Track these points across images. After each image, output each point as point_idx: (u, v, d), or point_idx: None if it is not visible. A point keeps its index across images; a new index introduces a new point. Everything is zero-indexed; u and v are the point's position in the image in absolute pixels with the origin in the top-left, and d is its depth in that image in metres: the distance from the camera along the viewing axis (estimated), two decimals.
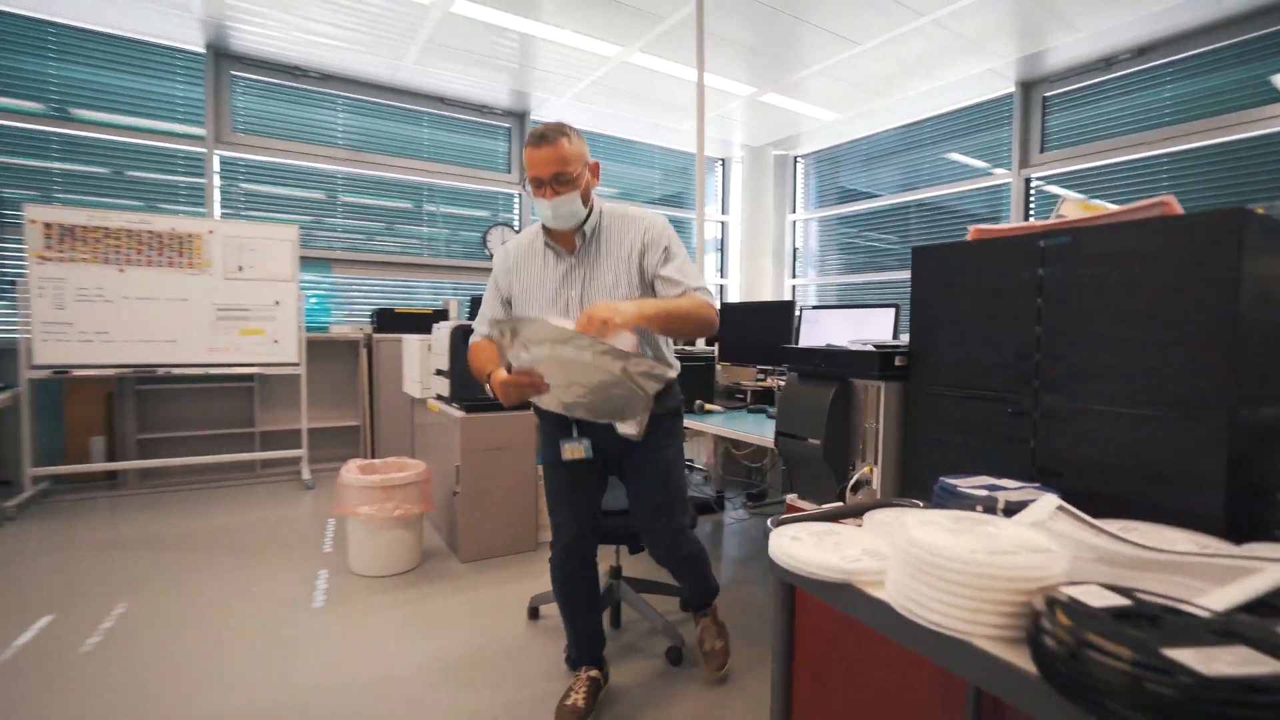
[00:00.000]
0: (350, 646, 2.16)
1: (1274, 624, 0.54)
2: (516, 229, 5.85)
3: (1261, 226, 0.87)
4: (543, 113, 5.74)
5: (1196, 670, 0.44)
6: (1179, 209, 0.95)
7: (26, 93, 4.12)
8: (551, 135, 1.50)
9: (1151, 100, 4.34)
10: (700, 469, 4.67)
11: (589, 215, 1.60)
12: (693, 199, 5.86)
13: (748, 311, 3.58)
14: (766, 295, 7.03)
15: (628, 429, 1.55)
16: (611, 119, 5.90)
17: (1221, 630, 0.50)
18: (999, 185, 5.21)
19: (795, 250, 7.19)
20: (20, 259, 3.75)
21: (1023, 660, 0.56)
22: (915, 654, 1.11)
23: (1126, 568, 0.70)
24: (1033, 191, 5.09)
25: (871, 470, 1.31)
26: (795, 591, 1.33)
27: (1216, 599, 0.57)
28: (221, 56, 4.63)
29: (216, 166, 4.67)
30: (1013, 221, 5.13)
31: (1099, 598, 0.55)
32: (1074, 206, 1.06)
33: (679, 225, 6.90)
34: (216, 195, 4.68)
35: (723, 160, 7.26)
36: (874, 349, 1.33)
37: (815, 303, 7.02)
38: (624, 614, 2.41)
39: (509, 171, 5.84)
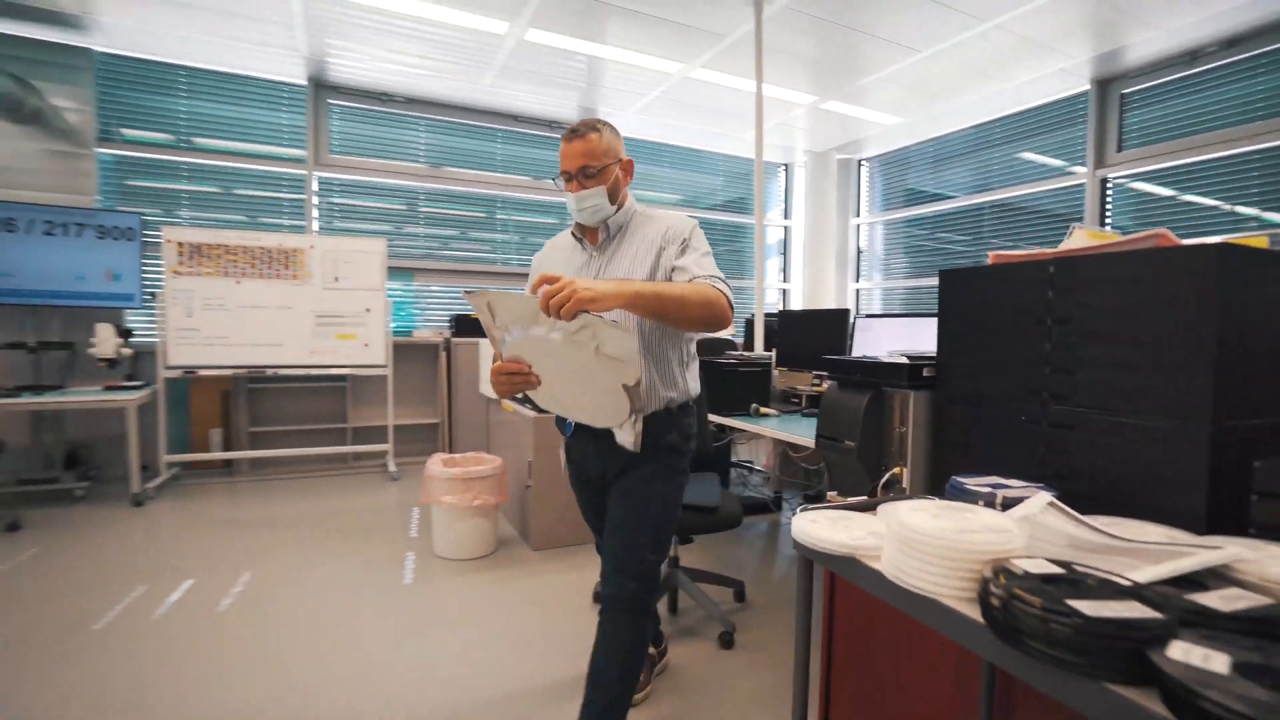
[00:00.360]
0: (436, 617, 2.44)
1: (1185, 593, 0.68)
2: None
3: (1244, 257, 0.97)
4: None
5: (1086, 614, 0.59)
6: (1175, 241, 1.05)
7: (160, 126, 4.71)
8: (583, 130, 1.50)
9: (1242, 94, 4.14)
10: (760, 470, 4.81)
11: (618, 212, 1.56)
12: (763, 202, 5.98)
13: (804, 319, 3.69)
14: (829, 299, 7.04)
15: (624, 437, 1.42)
16: (676, 129, 6.10)
17: (1127, 591, 0.64)
18: (1075, 185, 5.07)
19: (860, 253, 7.18)
20: (159, 273, 4.30)
21: (975, 614, 0.71)
22: (939, 636, 1.25)
23: (1093, 551, 0.83)
24: (1110, 190, 4.92)
25: (901, 471, 1.44)
26: (833, 576, 1.49)
27: (1144, 573, 0.70)
28: (320, 87, 5.11)
29: (315, 186, 5.17)
30: (1087, 223, 5.00)
31: (1040, 567, 0.70)
32: (1084, 235, 1.17)
33: (740, 230, 7.02)
34: (315, 211, 5.18)
35: (785, 165, 7.33)
36: (906, 361, 1.46)
37: (880, 306, 6.99)
38: (681, 601, 2.60)
39: None
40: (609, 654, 1.45)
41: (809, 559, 0.98)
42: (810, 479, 4.19)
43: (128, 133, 4.61)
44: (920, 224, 6.44)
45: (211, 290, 4.29)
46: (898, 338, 2.69)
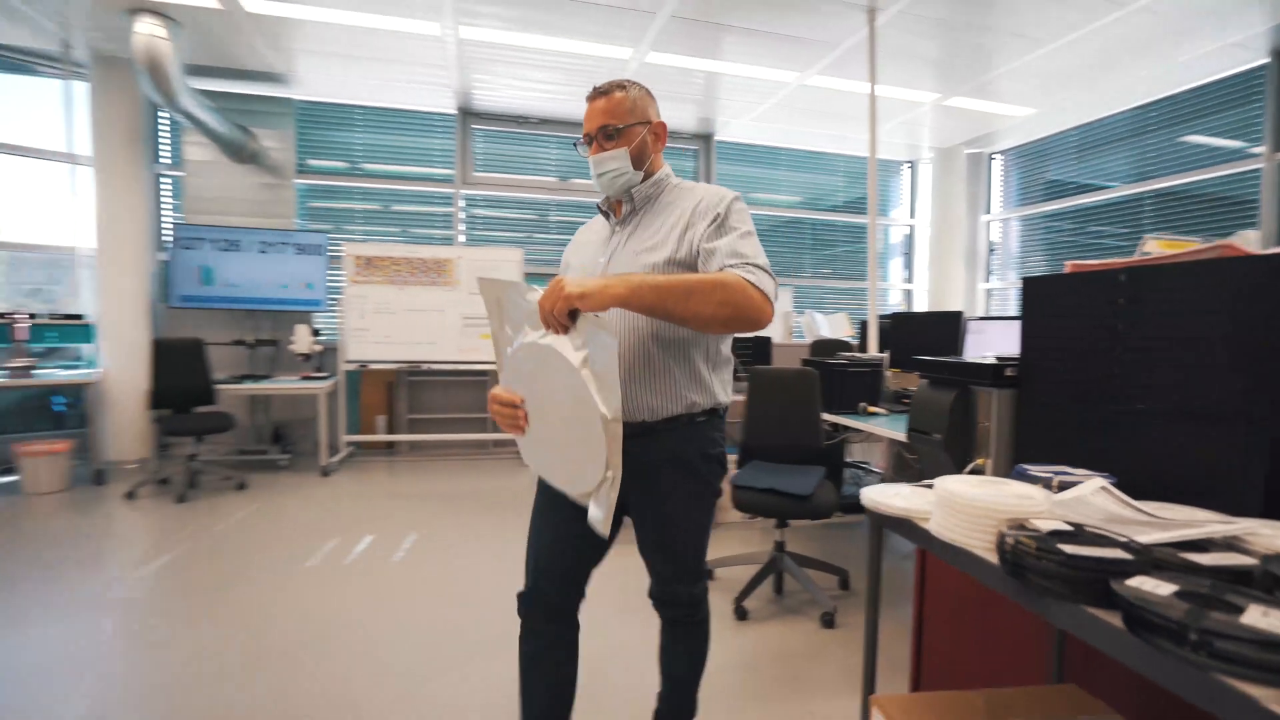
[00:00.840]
0: None
1: (1184, 553, 0.81)
2: None
3: None
4: (727, 133, 6.22)
5: (1067, 552, 0.76)
6: (1242, 251, 1.12)
7: (338, 156, 5.57)
8: (607, 88, 1.34)
9: None
10: (875, 471, 4.82)
11: (645, 181, 1.39)
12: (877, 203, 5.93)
13: (918, 321, 3.71)
14: (957, 300, 6.78)
15: (595, 512, 1.14)
16: (793, 134, 6.19)
17: (1114, 543, 0.79)
18: (1250, 170, 4.59)
19: (991, 251, 6.84)
20: (340, 282, 5.11)
21: (994, 558, 0.88)
22: (1016, 604, 1.39)
23: (1124, 524, 0.96)
24: None
25: (984, 462, 1.56)
26: (924, 559, 1.63)
27: (1149, 536, 0.84)
28: (466, 114, 5.77)
29: (461, 203, 5.84)
30: (1264, 211, 4.52)
31: (1051, 525, 0.86)
32: (1156, 245, 1.25)
33: (862, 230, 6.92)
34: (461, 226, 5.85)
35: (910, 162, 7.14)
36: (991, 361, 1.57)
37: (1015, 306, 6.63)
38: (786, 584, 2.78)
39: None
40: (665, 652, 1.54)
41: (877, 521, 1.17)
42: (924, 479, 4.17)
43: (314, 163, 5.50)
44: (1063, 217, 6.04)
45: (380, 296, 5.02)
46: (1007, 339, 2.69)
